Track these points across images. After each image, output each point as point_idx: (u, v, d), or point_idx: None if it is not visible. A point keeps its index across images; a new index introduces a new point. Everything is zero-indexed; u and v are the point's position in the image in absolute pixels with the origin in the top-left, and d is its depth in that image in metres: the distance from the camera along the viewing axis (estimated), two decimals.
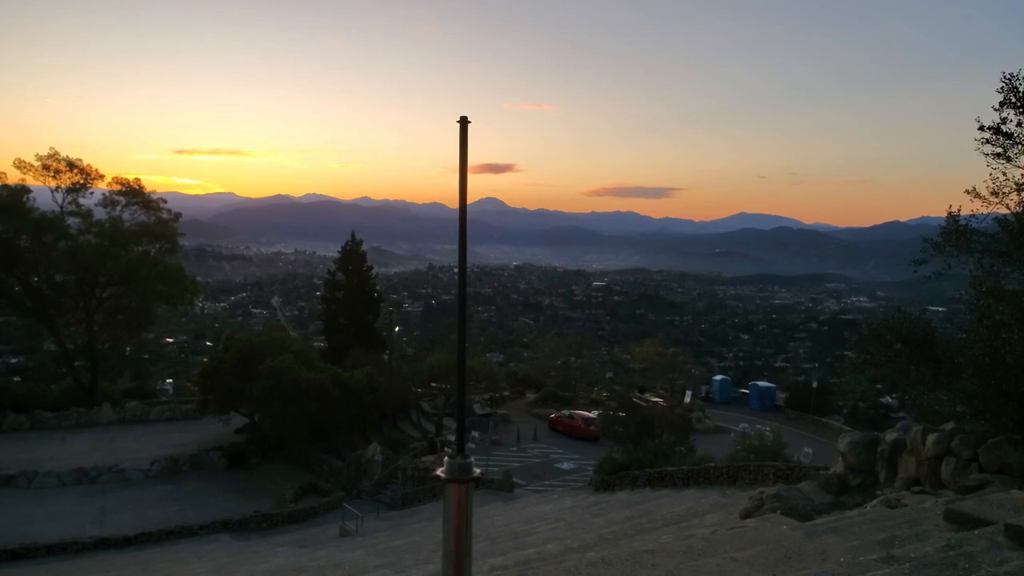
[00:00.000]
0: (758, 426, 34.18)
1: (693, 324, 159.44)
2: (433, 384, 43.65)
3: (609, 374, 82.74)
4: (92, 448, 34.67)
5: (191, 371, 55.65)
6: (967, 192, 11.33)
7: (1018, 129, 10.48)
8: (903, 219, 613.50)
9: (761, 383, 55.65)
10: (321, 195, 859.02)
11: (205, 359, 44.66)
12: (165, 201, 46.73)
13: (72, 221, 43.09)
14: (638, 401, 39.87)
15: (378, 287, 52.56)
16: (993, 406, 8.53)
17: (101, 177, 44.52)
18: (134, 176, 45.80)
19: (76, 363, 45.24)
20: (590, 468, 27.03)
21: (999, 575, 4.27)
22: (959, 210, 11.90)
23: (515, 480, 27.93)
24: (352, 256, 48.83)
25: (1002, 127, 10.55)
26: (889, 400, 65.64)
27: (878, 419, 51.62)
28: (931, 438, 9.61)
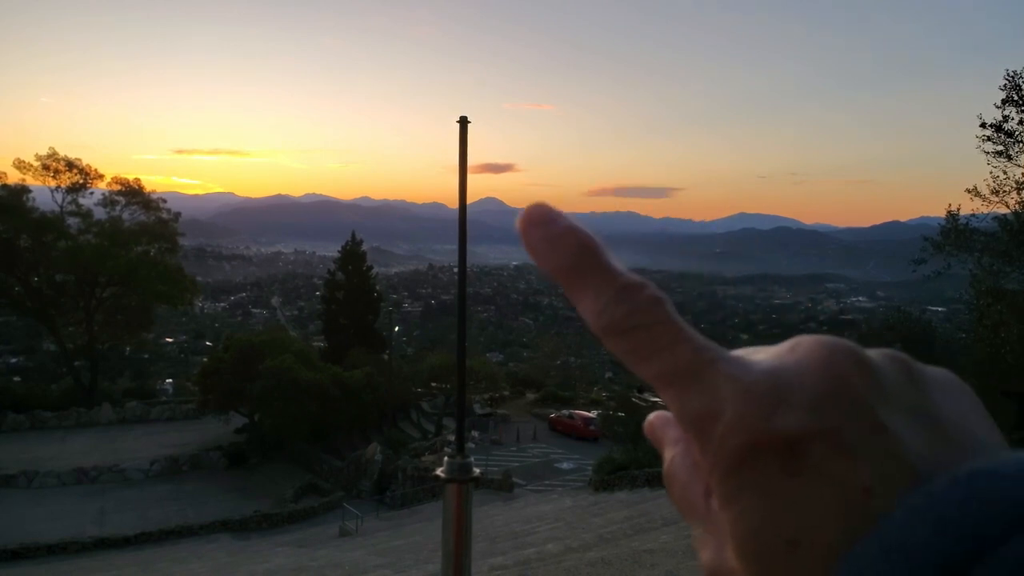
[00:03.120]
0: None
1: (693, 324, 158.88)
2: (433, 384, 43.65)
3: (609, 374, 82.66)
4: (92, 448, 34.65)
5: (191, 371, 55.62)
6: (967, 191, 11.34)
7: (1020, 127, 10.48)
8: (903, 219, 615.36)
9: None
10: (321, 195, 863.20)
11: (205, 359, 44.64)
12: (165, 201, 46.78)
13: (72, 221, 43.12)
14: (638, 401, 39.86)
15: (378, 287, 52.63)
16: (993, 406, 8.52)
17: (101, 177, 44.61)
18: (134, 176, 46.09)
19: (76, 363, 45.25)
20: (590, 468, 27.01)
21: None
22: (959, 209, 11.91)
23: (515, 480, 27.91)
24: (352, 256, 48.87)
25: (1004, 125, 10.55)
26: None
27: None
28: None
